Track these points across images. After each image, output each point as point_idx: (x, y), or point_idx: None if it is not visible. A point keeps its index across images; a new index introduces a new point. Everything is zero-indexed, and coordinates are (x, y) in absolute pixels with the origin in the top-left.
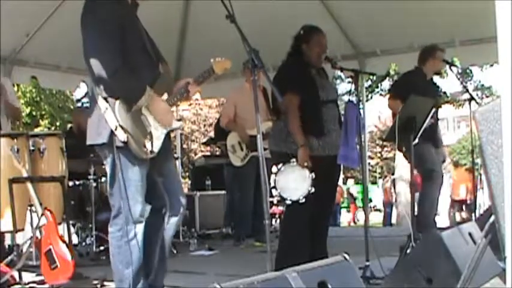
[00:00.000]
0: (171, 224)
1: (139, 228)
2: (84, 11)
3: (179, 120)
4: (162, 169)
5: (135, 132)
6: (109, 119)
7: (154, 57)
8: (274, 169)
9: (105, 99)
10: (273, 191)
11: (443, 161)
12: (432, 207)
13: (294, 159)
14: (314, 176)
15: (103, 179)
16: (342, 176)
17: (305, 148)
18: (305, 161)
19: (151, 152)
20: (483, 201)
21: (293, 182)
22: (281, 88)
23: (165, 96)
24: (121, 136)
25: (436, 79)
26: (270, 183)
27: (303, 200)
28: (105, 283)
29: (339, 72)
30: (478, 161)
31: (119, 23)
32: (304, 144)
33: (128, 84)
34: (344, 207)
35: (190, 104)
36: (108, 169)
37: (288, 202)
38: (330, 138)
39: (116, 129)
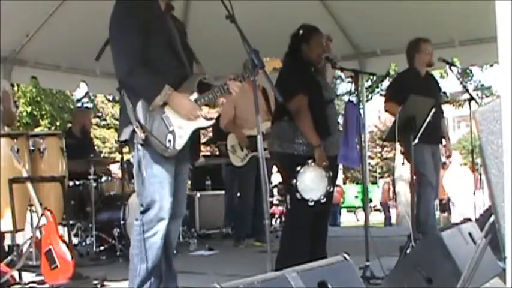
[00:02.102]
0: (171, 230)
1: (162, 226)
2: (111, 13)
3: (211, 119)
4: (177, 172)
5: (155, 130)
6: (131, 117)
7: (184, 58)
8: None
9: (129, 97)
10: (296, 194)
11: (448, 156)
12: (428, 209)
13: (311, 160)
14: (331, 175)
15: (103, 179)
16: (342, 176)
17: (321, 148)
18: (323, 161)
19: (173, 149)
20: (483, 201)
21: (312, 183)
22: (288, 89)
23: (195, 95)
24: (140, 134)
25: (436, 78)
26: (270, 183)
27: (324, 200)
28: (105, 283)
29: (339, 72)
30: (478, 161)
31: (142, 24)
32: (320, 145)
33: (142, 83)
34: (344, 207)
35: None
36: (134, 165)
37: (311, 203)
38: (333, 138)
39: (136, 127)
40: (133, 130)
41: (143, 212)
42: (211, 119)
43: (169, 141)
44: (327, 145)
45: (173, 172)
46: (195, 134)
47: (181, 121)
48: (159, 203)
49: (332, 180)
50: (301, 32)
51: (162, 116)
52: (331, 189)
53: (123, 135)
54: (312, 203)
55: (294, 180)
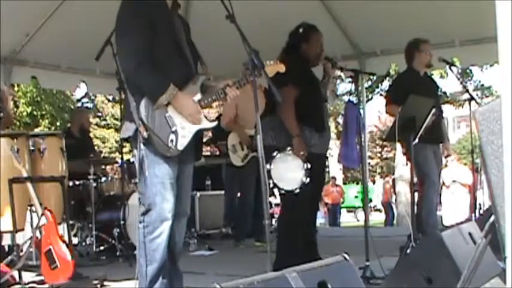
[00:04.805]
0: (176, 230)
1: (166, 226)
2: (118, 11)
3: (214, 120)
4: (179, 172)
5: (157, 130)
6: (134, 115)
7: (190, 58)
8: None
9: (133, 95)
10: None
11: (447, 156)
12: (430, 209)
13: (290, 148)
14: (309, 167)
15: (103, 179)
16: (342, 176)
17: (300, 138)
18: (301, 151)
19: (175, 149)
20: (483, 201)
21: (288, 172)
22: (278, 80)
23: (198, 95)
24: (143, 133)
25: (436, 78)
26: (270, 184)
27: (297, 191)
28: (105, 283)
29: (339, 72)
30: (478, 161)
31: (148, 23)
32: (299, 134)
33: (148, 81)
34: (344, 207)
35: None
36: (136, 165)
37: (282, 192)
38: (326, 135)
39: (139, 126)
40: (137, 128)
41: (145, 213)
42: (214, 120)
43: (172, 141)
44: (319, 142)
45: (176, 172)
46: (198, 135)
47: (184, 121)
48: (161, 204)
49: (319, 177)
50: (301, 30)
51: (165, 115)
52: (307, 181)
53: (127, 132)
54: (283, 192)
55: (268, 166)
